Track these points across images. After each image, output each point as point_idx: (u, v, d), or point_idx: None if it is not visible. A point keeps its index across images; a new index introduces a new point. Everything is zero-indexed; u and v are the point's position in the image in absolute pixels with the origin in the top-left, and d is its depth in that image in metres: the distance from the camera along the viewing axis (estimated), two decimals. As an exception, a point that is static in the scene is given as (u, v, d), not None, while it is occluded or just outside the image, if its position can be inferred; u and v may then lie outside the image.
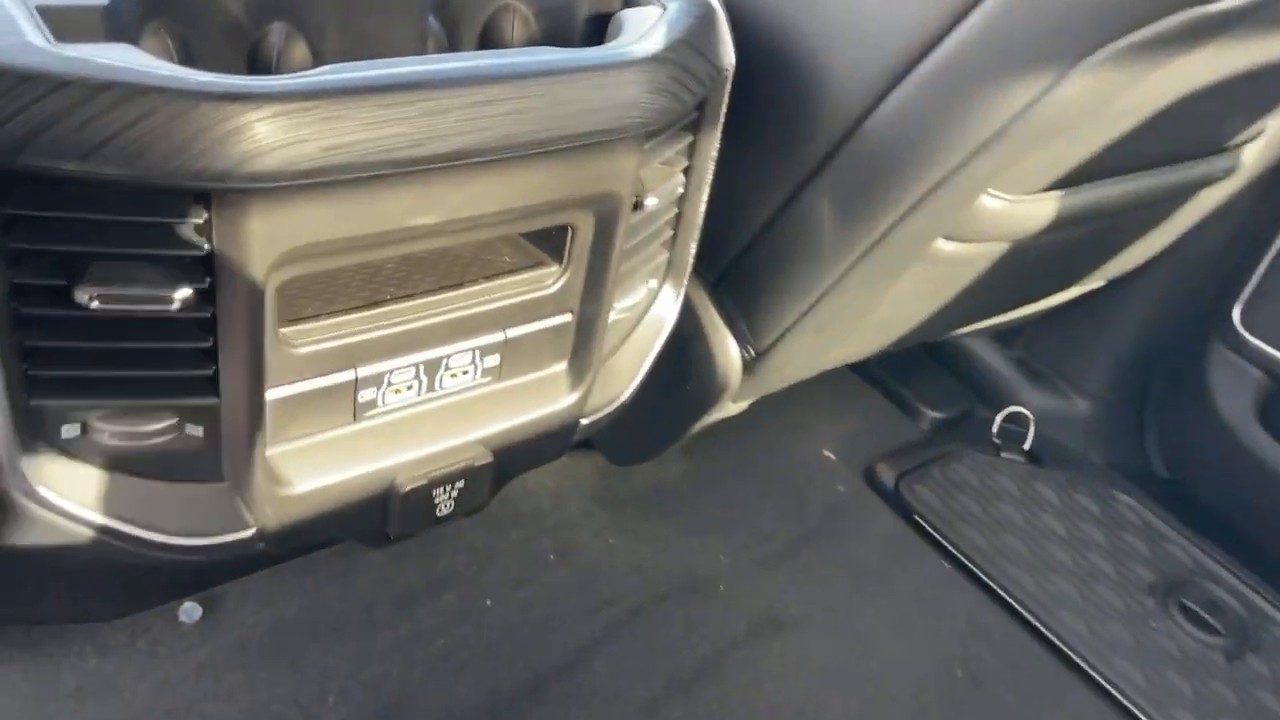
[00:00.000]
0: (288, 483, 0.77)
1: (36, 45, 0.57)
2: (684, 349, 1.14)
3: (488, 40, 0.85)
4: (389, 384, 0.79)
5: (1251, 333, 1.48)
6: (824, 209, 0.98)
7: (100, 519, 0.73)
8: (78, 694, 1.03)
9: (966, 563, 1.53)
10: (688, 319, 1.13)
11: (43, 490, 0.70)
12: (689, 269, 0.98)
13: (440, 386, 0.83)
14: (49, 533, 0.73)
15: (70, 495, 0.71)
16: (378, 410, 0.80)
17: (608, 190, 0.78)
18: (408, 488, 0.82)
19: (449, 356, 0.82)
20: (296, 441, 0.78)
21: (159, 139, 0.58)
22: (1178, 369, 1.64)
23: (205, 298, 0.66)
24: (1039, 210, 1.04)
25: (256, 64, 0.74)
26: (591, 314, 0.87)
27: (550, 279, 0.84)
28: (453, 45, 0.83)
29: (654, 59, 0.76)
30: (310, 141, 0.61)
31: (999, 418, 1.79)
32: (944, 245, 1.04)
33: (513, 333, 0.84)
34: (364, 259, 0.72)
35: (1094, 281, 1.52)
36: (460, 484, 0.86)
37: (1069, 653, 1.35)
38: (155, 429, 0.71)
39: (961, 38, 0.83)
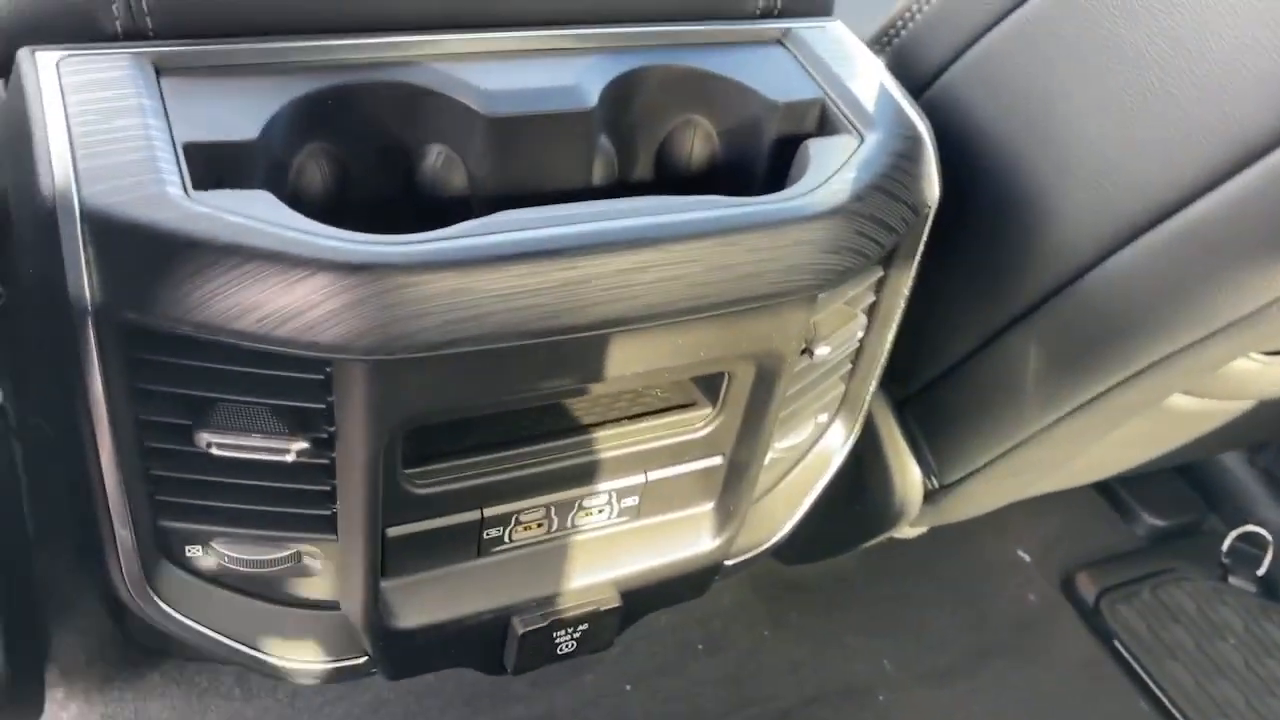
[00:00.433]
0: (403, 616, 0.74)
1: (171, 198, 0.55)
2: (860, 465, 1.05)
3: (665, 157, 0.79)
4: (517, 522, 0.75)
5: None
6: (1029, 358, 0.86)
7: (217, 636, 0.72)
8: (219, 735, 1.06)
9: (1170, 706, 1.36)
10: (868, 437, 1.03)
11: (166, 606, 0.70)
12: (865, 405, 0.89)
13: (572, 524, 0.78)
14: (174, 637, 0.73)
15: (190, 612, 0.71)
16: (504, 547, 0.76)
17: (769, 349, 0.70)
18: (525, 629, 0.78)
19: (583, 498, 0.77)
20: (418, 574, 0.75)
21: (275, 305, 0.55)
22: None
23: (325, 445, 0.63)
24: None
25: (415, 187, 0.71)
26: (745, 457, 0.79)
27: (701, 422, 0.77)
28: (626, 164, 0.77)
29: (836, 212, 0.67)
30: (433, 315, 0.57)
31: (1232, 535, 1.59)
32: (1180, 401, 0.90)
33: (655, 475, 0.78)
34: (495, 410, 0.68)
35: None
36: (584, 627, 0.81)
37: None
38: (274, 557, 0.70)
39: (1220, 202, 0.69)
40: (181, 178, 0.57)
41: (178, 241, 0.54)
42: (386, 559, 0.72)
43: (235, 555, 0.69)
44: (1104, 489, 1.66)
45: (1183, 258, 0.72)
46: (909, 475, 1.02)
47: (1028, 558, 1.54)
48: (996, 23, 0.82)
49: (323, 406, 0.61)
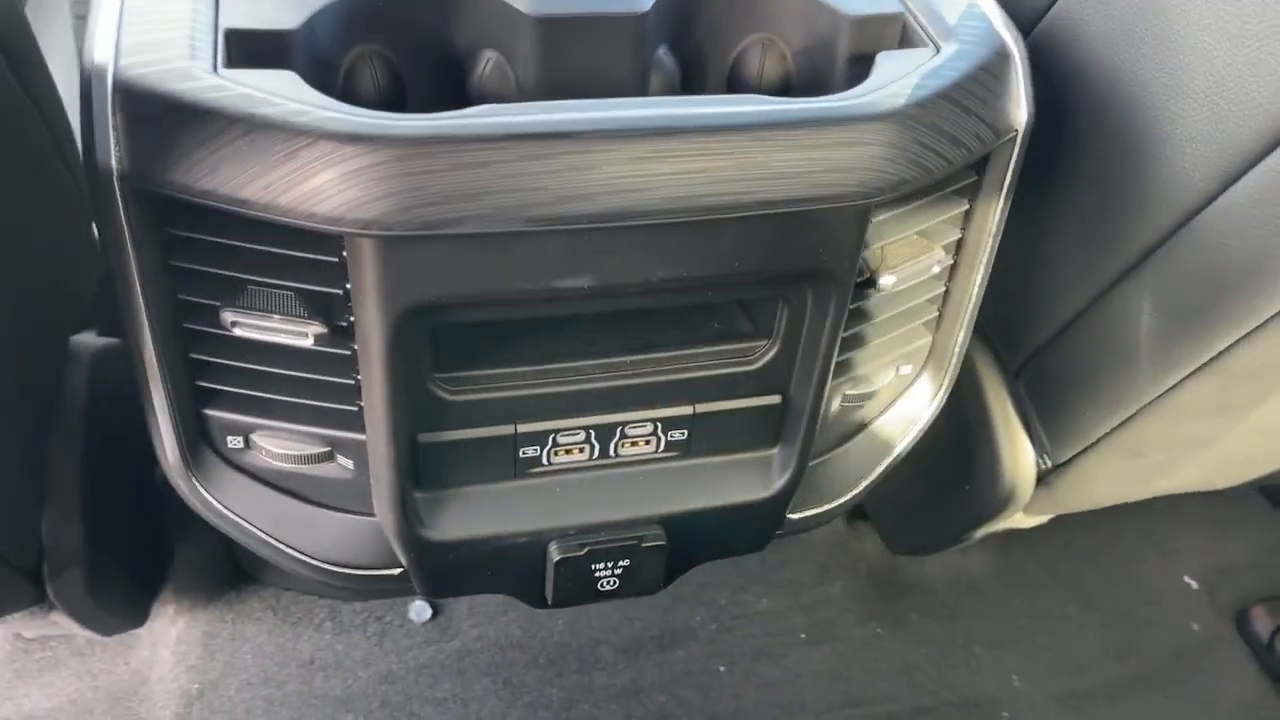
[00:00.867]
0: (436, 528, 0.74)
1: (194, 72, 0.57)
2: (968, 441, 0.97)
3: (736, 79, 0.75)
4: (555, 444, 0.73)
5: None
6: (1143, 314, 0.77)
7: (256, 531, 0.74)
8: (309, 665, 1.09)
9: (1349, 762, 1.19)
10: (976, 408, 0.96)
11: (207, 494, 0.72)
12: (955, 358, 0.82)
13: (616, 454, 0.75)
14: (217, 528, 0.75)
15: (231, 503, 0.73)
16: (542, 469, 0.74)
17: (816, 266, 0.65)
18: (561, 556, 0.76)
19: (625, 424, 0.74)
20: (452, 488, 0.74)
21: (277, 174, 0.55)
22: None
23: (346, 335, 0.63)
24: None
25: (466, 96, 0.71)
26: (806, 398, 0.74)
27: (755, 354, 0.73)
28: (694, 84, 0.75)
29: (888, 117, 0.62)
30: (431, 190, 0.56)
31: None
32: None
33: (703, 408, 0.74)
34: (524, 314, 0.66)
35: None
36: (625, 562, 0.78)
37: None
38: (309, 454, 0.70)
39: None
40: (214, 57, 0.59)
41: (192, 110, 0.56)
42: (420, 469, 0.72)
43: (271, 449, 0.70)
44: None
45: (1307, 184, 0.63)
46: (1020, 452, 0.93)
47: (1195, 585, 1.39)
48: None
49: (340, 293, 0.61)
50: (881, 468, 0.84)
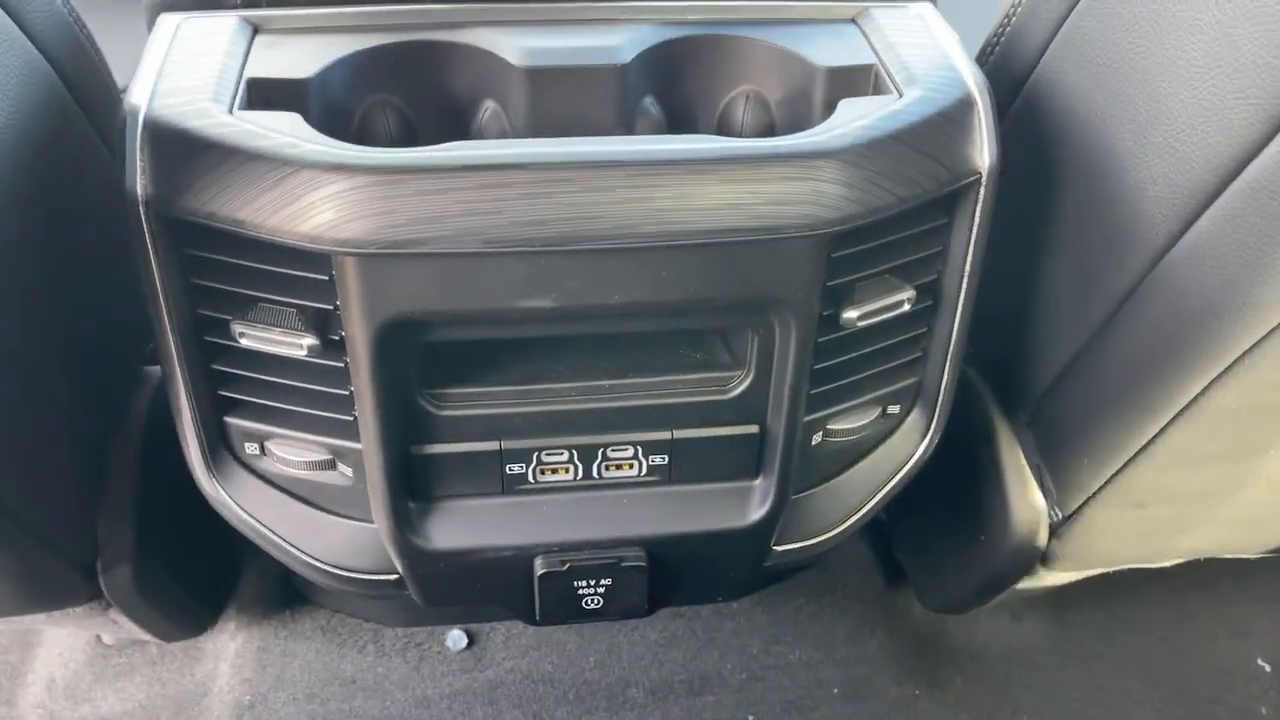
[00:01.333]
0: (429, 537, 0.79)
1: (210, 112, 0.66)
2: (982, 492, 0.97)
3: (723, 129, 0.81)
4: (540, 462, 0.78)
5: None
6: (1126, 358, 0.77)
7: (268, 532, 0.81)
8: (351, 684, 1.15)
9: None
10: (988, 457, 0.96)
11: (228, 497, 0.80)
12: (944, 399, 0.83)
13: (599, 475, 0.80)
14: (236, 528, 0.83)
15: (248, 506, 0.80)
16: (529, 487, 0.79)
17: (770, 296, 0.69)
18: (544, 571, 0.80)
19: (607, 446, 0.78)
20: (444, 501, 0.79)
21: (267, 198, 0.63)
22: None
23: (339, 348, 0.70)
24: None
25: (470, 139, 0.78)
26: (784, 430, 0.77)
27: (731, 384, 0.77)
28: (681, 131, 0.80)
29: (833, 153, 0.66)
30: (398, 213, 0.62)
31: None
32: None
33: (681, 434, 0.78)
34: (498, 334, 0.72)
35: None
36: (607, 581, 0.81)
37: None
38: (314, 461, 0.77)
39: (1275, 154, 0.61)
40: (233, 101, 0.68)
41: (202, 142, 0.64)
42: (413, 480, 0.78)
43: (282, 456, 0.77)
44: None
45: (1254, 220, 0.63)
46: (1030, 503, 0.93)
47: (1269, 668, 1.31)
48: None
49: (332, 309, 0.68)
50: (870, 505, 0.86)
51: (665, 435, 0.78)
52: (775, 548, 0.85)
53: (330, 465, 0.77)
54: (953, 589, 1.11)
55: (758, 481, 0.81)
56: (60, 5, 0.78)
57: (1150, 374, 0.75)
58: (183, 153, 0.65)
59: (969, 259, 0.76)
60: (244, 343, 0.70)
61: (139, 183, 0.65)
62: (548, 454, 0.78)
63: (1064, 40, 0.79)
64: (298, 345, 0.69)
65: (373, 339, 0.68)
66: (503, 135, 0.77)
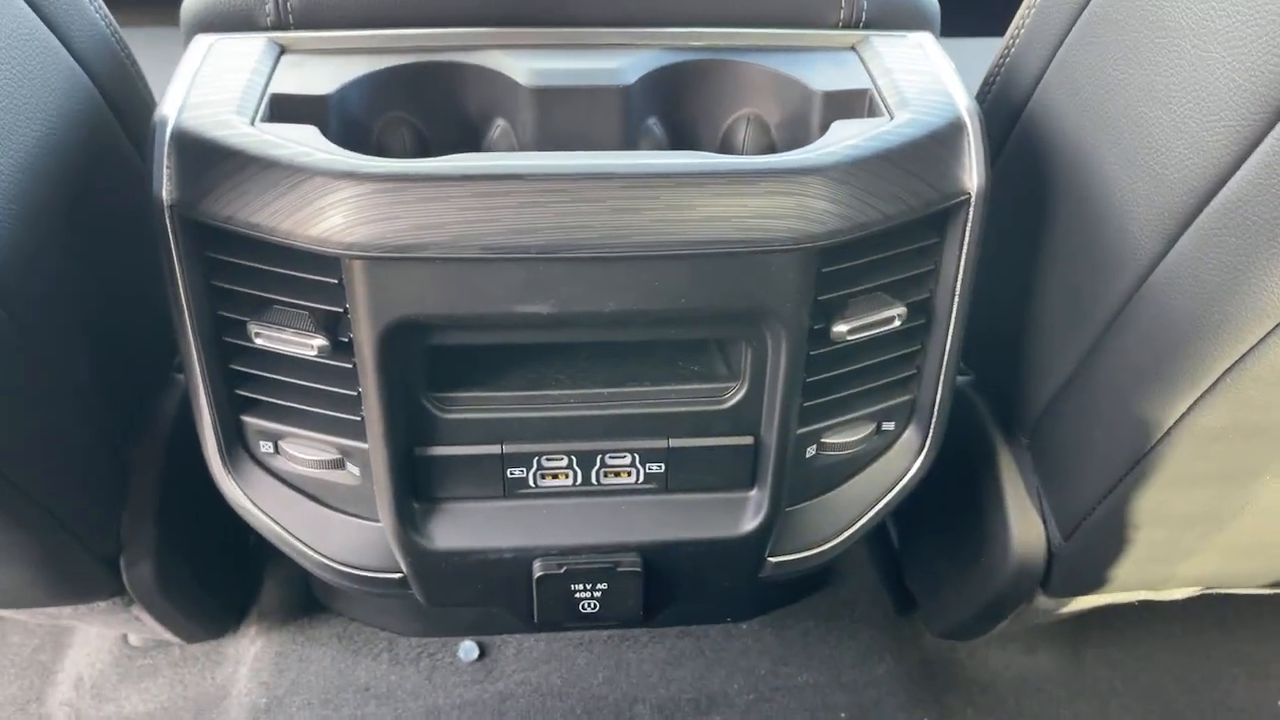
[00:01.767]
0: (431, 537, 0.82)
1: (233, 123, 0.70)
2: (982, 514, 0.99)
3: (725, 149, 0.84)
4: (540, 467, 0.81)
5: None
6: (1115, 378, 0.79)
7: (279, 529, 0.84)
8: (364, 691, 1.18)
9: None
10: (988, 479, 0.97)
11: (242, 494, 0.83)
12: (938, 416, 0.85)
13: (598, 481, 0.82)
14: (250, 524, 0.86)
15: (261, 502, 0.84)
16: (529, 490, 0.82)
17: (758, 308, 0.72)
18: (542, 573, 0.82)
19: (605, 453, 0.81)
20: (447, 502, 0.82)
21: (281, 203, 0.67)
22: None
23: (348, 350, 0.74)
24: None
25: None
26: (777, 441, 0.79)
27: (725, 394, 0.79)
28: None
29: (819, 170, 0.69)
30: (402, 219, 0.66)
31: None
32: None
33: (677, 442, 0.80)
34: (499, 339, 0.75)
35: None
36: (603, 585, 0.84)
37: None
38: (324, 460, 0.81)
39: (1249, 174, 0.62)
40: (255, 113, 0.72)
41: (224, 151, 0.69)
42: (417, 480, 0.81)
43: (294, 454, 0.81)
44: None
45: (1229, 241, 0.65)
46: (1029, 525, 0.94)
47: (1289, 709, 1.30)
48: (1071, 26, 0.79)
49: (342, 311, 0.72)
50: (865, 520, 0.87)
51: (662, 444, 0.80)
52: (769, 559, 0.86)
53: (339, 464, 0.81)
54: (956, 612, 1.12)
55: (752, 492, 0.83)
56: (102, 25, 0.84)
57: (1138, 393, 0.76)
58: (206, 160, 0.69)
59: (960, 278, 0.78)
60: (259, 343, 0.74)
61: (165, 188, 0.70)
62: (548, 459, 0.81)
63: (1057, 69, 0.81)
64: (309, 346, 0.73)
65: (378, 341, 0.71)
66: (511, 151, 0.80)
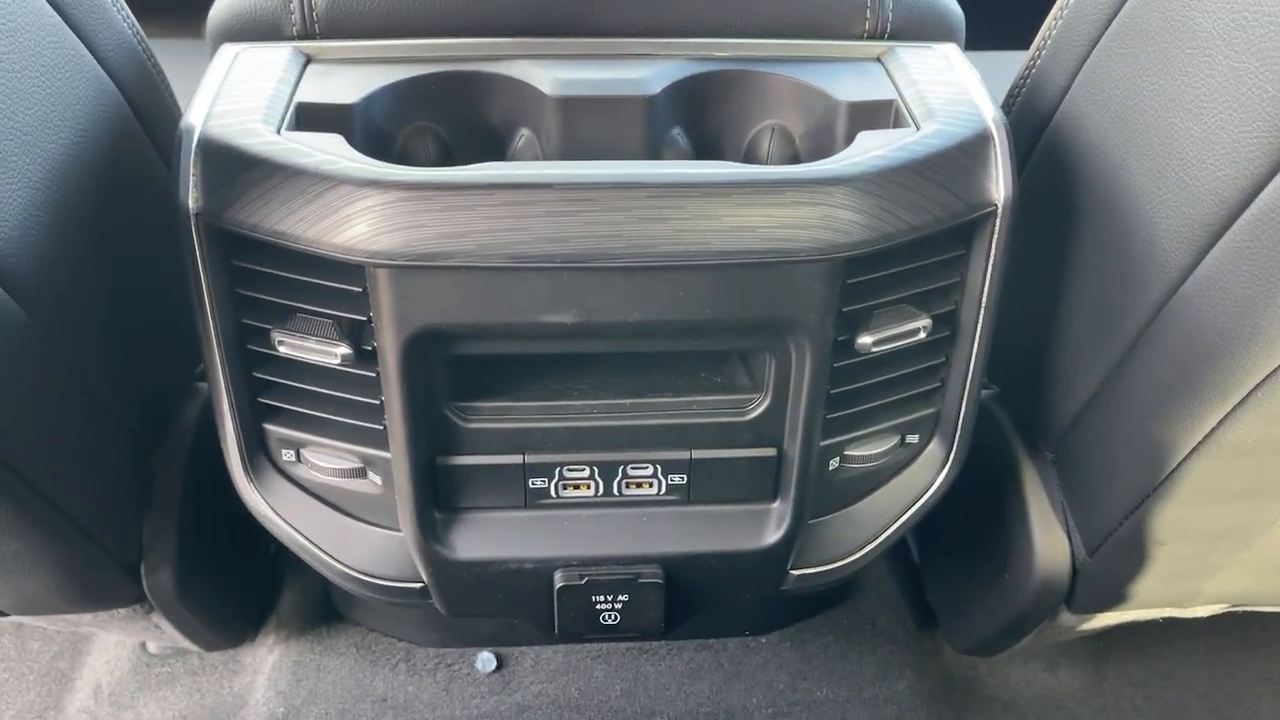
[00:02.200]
0: (453, 547, 0.82)
1: (258, 132, 0.70)
2: (1006, 528, 0.98)
3: (749, 159, 0.84)
4: (562, 477, 0.81)
5: None
6: (1143, 393, 0.78)
7: (300, 538, 0.84)
8: (381, 702, 1.17)
9: None
10: (1012, 494, 0.96)
11: (264, 502, 0.83)
12: (962, 430, 0.84)
13: (619, 493, 0.82)
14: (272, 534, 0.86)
15: (283, 511, 0.83)
16: (550, 501, 0.82)
17: (784, 318, 0.71)
18: (563, 584, 0.82)
19: (627, 464, 0.80)
20: (470, 512, 0.82)
21: (306, 210, 0.67)
22: None
23: (372, 359, 0.74)
24: None
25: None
26: (800, 453, 0.79)
27: (748, 406, 0.79)
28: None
29: (845, 180, 0.68)
30: (427, 227, 0.66)
31: None
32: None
33: (700, 454, 0.80)
34: (522, 348, 0.75)
35: None
36: (624, 597, 0.83)
37: None
38: (346, 469, 0.80)
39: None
40: (281, 123, 0.72)
41: (250, 159, 0.69)
42: (439, 490, 0.80)
43: (316, 463, 0.81)
44: None
45: (1261, 254, 0.64)
46: (1054, 541, 0.93)
47: (1317, 731, 1.28)
48: (1099, 37, 0.79)
49: (365, 319, 0.72)
50: (888, 533, 0.87)
51: (684, 455, 0.80)
52: (791, 571, 0.86)
53: (361, 474, 0.81)
54: (978, 629, 1.11)
55: (775, 504, 0.83)
56: (129, 33, 0.84)
57: (1167, 408, 0.75)
58: (231, 168, 0.69)
59: (986, 291, 0.77)
60: (282, 351, 0.74)
61: (190, 195, 0.70)
62: (570, 469, 0.80)
63: (1084, 80, 0.81)
64: (332, 354, 0.73)
65: (402, 350, 0.71)
66: (537, 160, 0.80)
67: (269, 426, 0.81)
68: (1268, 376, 0.68)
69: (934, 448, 0.86)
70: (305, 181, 0.67)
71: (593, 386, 0.80)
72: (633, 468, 0.81)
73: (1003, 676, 1.29)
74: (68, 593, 0.91)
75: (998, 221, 0.74)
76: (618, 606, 0.84)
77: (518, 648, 1.21)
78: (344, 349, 0.73)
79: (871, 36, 0.84)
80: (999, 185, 0.74)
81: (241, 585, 1.18)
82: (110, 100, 0.80)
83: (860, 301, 0.74)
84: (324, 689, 1.19)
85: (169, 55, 0.92)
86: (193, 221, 0.70)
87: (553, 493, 0.81)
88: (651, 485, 0.82)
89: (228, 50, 0.80)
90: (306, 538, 0.84)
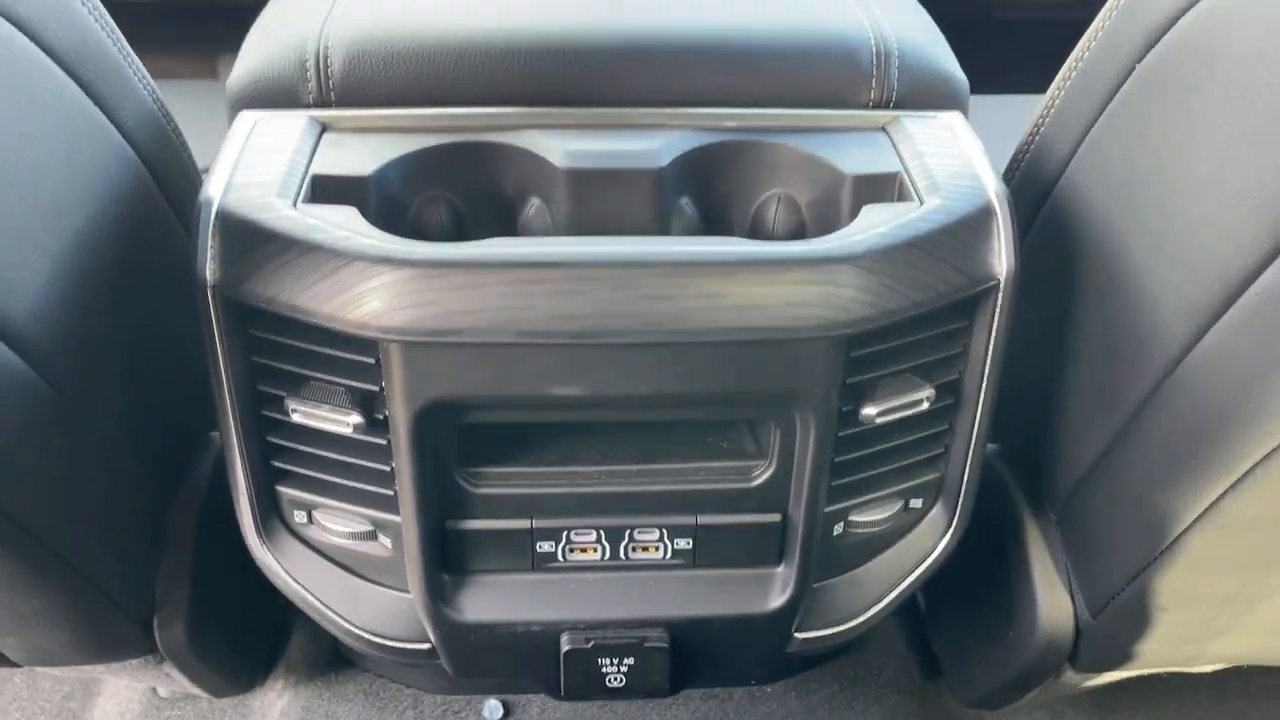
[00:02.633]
0: (461, 609, 0.83)
1: (275, 206, 0.72)
2: (1010, 587, 0.98)
3: (756, 229, 0.85)
4: (569, 541, 0.82)
5: None
6: (1144, 463, 0.79)
7: (312, 598, 0.85)
8: (389, 749, 1.18)
9: None
10: (1015, 553, 0.97)
11: (277, 563, 0.84)
12: (966, 495, 0.85)
13: (626, 556, 0.83)
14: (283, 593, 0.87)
15: (295, 572, 0.85)
16: (558, 565, 0.83)
17: (788, 392, 0.72)
18: (569, 648, 0.83)
19: (634, 528, 0.81)
20: (477, 575, 0.83)
21: (321, 286, 0.69)
22: None
23: (383, 427, 0.75)
24: None
25: (517, 232, 0.83)
26: (805, 519, 0.80)
27: (754, 473, 0.80)
28: (714, 232, 0.84)
29: (849, 259, 0.70)
30: (439, 305, 0.67)
31: None
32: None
33: (706, 519, 0.81)
34: (531, 418, 0.76)
35: None
36: (630, 660, 0.84)
37: None
38: (357, 532, 0.82)
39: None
40: (297, 195, 0.74)
41: (267, 234, 0.70)
42: (448, 553, 0.82)
43: (328, 525, 0.82)
44: None
45: (1263, 333, 0.65)
46: (1057, 602, 0.94)
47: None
48: (1101, 111, 0.80)
49: (377, 389, 0.73)
50: (892, 596, 0.87)
51: (690, 520, 0.81)
52: (796, 634, 0.87)
53: (371, 536, 0.82)
54: (982, 684, 1.11)
55: (779, 569, 0.84)
56: (149, 100, 0.86)
57: (1169, 479, 0.76)
58: (249, 242, 0.71)
59: (989, 360, 0.78)
60: (296, 418, 0.76)
61: (209, 268, 0.71)
62: (577, 533, 0.81)
63: (1086, 152, 0.82)
64: (345, 423, 0.74)
65: (413, 420, 0.72)
66: (546, 230, 0.82)
67: (282, 489, 0.82)
68: (1269, 453, 0.68)
69: (938, 512, 0.87)
70: (320, 257, 0.69)
71: (600, 452, 0.81)
72: (639, 532, 0.82)
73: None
74: (81, 646, 0.92)
75: (1000, 295, 0.76)
76: (623, 669, 0.85)
77: (524, 696, 1.22)
78: (356, 418, 0.74)
79: (877, 105, 0.86)
80: (1001, 260, 0.75)
81: (252, 634, 1.19)
82: (131, 169, 0.82)
83: (864, 373, 0.75)
84: (332, 735, 1.20)
85: (187, 99, 0.94)
86: (210, 293, 0.72)
87: (560, 556, 0.82)
88: (657, 549, 0.83)
89: (246, 118, 0.81)
90: (317, 598, 0.85)
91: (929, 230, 0.73)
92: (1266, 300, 0.64)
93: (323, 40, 0.83)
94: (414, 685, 1.22)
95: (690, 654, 0.85)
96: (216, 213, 0.72)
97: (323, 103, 0.83)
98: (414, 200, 0.82)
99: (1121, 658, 0.95)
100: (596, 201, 0.79)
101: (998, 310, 0.76)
